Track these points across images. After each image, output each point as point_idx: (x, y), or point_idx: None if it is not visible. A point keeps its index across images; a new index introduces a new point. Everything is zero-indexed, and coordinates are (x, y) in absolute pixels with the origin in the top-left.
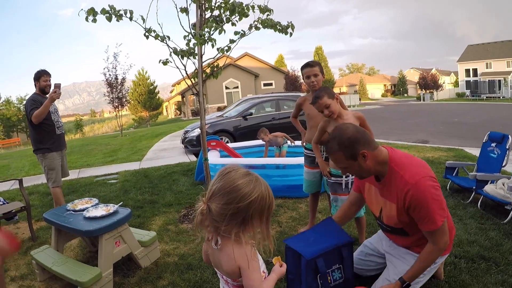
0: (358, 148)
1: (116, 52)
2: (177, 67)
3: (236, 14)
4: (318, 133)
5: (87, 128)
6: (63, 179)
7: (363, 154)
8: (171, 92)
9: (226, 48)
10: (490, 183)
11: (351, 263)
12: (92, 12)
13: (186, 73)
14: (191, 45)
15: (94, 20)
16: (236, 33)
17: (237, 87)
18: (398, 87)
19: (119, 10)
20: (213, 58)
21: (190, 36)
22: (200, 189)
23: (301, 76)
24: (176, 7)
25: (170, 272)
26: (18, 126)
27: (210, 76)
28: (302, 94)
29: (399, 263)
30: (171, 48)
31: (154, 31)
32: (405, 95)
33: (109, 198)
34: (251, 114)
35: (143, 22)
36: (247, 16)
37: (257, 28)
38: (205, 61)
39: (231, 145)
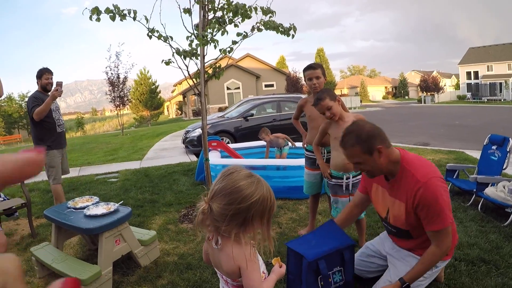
0: (375, 143)
1: (118, 51)
2: (180, 68)
3: (239, 16)
4: (319, 135)
5: (88, 126)
6: (63, 176)
7: (379, 150)
8: (173, 92)
9: (229, 49)
10: (491, 185)
11: (352, 266)
12: (96, 11)
13: (189, 74)
14: (193, 45)
15: (98, 19)
16: (238, 34)
17: (239, 88)
18: (399, 90)
19: (123, 10)
20: (215, 59)
21: (192, 36)
22: (200, 189)
23: (303, 78)
24: (179, 8)
25: (169, 272)
26: (19, 122)
27: (212, 77)
28: (303, 96)
29: (401, 264)
30: (174, 48)
31: (157, 31)
32: (406, 97)
33: (109, 196)
34: (252, 115)
35: (147, 22)
36: (249, 17)
37: (259, 30)
38: (207, 61)
39: (232, 145)
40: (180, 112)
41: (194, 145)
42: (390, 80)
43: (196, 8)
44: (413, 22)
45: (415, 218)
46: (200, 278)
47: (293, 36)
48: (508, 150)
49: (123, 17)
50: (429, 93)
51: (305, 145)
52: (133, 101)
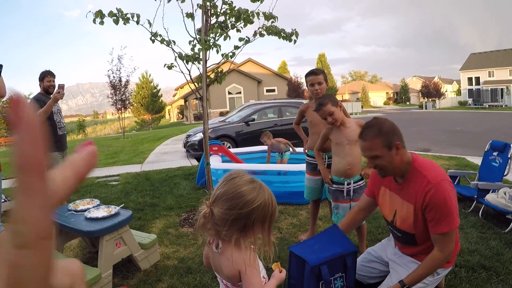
0: (394, 138)
1: (120, 54)
2: (182, 72)
3: (241, 21)
4: (321, 140)
5: (90, 129)
6: None
7: (397, 146)
8: (174, 95)
9: (231, 54)
10: (492, 192)
11: (354, 272)
12: (99, 14)
13: (191, 78)
14: (196, 50)
15: (102, 23)
16: (240, 39)
17: (240, 93)
18: (401, 95)
19: (126, 14)
20: (217, 63)
21: (195, 41)
22: (201, 194)
23: (304, 83)
24: (182, 12)
25: (169, 275)
26: None
27: (214, 81)
28: (304, 101)
29: (402, 270)
30: (177, 52)
31: (160, 35)
32: (407, 103)
33: (110, 199)
34: (253, 120)
35: (150, 26)
36: (252, 22)
37: (261, 35)
38: (209, 66)
39: (233, 150)
40: (181, 116)
41: (195, 149)
42: (392, 85)
43: (198, 13)
44: (415, 28)
45: (423, 220)
46: (200, 282)
47: (295, 41)
48: (509, 156)
49: (126, 20)
50: (430, 99)
51: (306, 151)
52: (135, 104)
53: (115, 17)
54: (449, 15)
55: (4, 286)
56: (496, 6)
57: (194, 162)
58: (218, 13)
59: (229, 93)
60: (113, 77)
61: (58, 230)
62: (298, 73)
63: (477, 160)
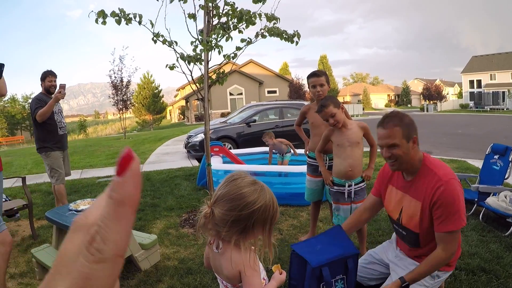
0: (413, 132)
1: (122, 54)
2: (184, 72)
3: (243, 22)
4: (322, 142)
5: (91, 129)
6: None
7: (414, 140)
8: (175, 96)
9: (232, 55)
10: (493, 195)
11: (355, 275)
12: (102, 14)
13: (192, 79)
14: (198, 51)
15: (104, 23)
16: (242, 40)
17: (241, 94)
18: (402, 98)
19: (129, 14)
20: (219, 64)
21: (197, 42)
22: (202, 194)
23: (305, 85)
24: (184, 13)
25: (169, 276)
26: (22, 124)
27: (215, 82)
28: (306, 103)
29: (403, 272)
30: (178, 53)
31: (162, 36)
32: (409, 105)
33: None
34: (254, 121)
35: (152, 26)
36: (254, 24)
37: (263, 36)
38: (211, 67)
39: (234, 151)
40: (182, 117)
41: (196, 150)
42: (393, 88)
43: (200, 14)
44: (417, 30)
45: (429, 218)
46: (200, 283)
47: (297, 43)
48: (510, 159)
49: (128, 21)
50: (431, 102)
51: (307, 152)
52: (136, 105)
53: (117, 17)
54: (451, 18)
55: None
56: (498, 9)
57: (195, 163)
58: (220, 14)
59: (231, 94)
60: (115, 77)
61: (59, 229)
62: (300, 74)
63: (478, 163)
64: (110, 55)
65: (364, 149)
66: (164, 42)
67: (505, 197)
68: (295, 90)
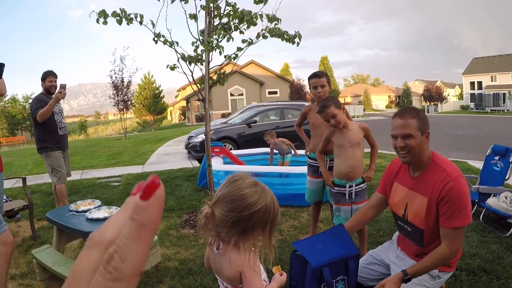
0: (427, 127)
1: (123, 55)
2: (185, 73)
3: (245, 23)
4: (323, 143)
5: (91, 129)
6: None
7: (427, 135)
8: (176, 97)
9: (234, 55)
10: (493, 196)
11: (356, 276)
12: (103, 14)
13: (193, 79)
14: (199, 51)
15: (105, 23)
16: (243, 41)
17: (242, 95)
18: (403, 99)
19: (130, 14)
20: (220, 65)
21: (198, 42)
22: (202, 195)
23: (306, 86)
24: (185, 13)
25: (170, 277)
26: (22, 124)
27: (216, 83)
28: (306, 103)
29: None
30: (179, 53)
31: (163, 36)
32: (410, 107)
33: (111, 200)
34: (255, 121)
35: (153, 27)
36: (255, 24)
37: (264, 37)
38: (212, 67)
39: (235, 152)
40: (183, 118)
41: (197, 151)
42: (394, 89)
43: (202, 14)
44: (418, 32)
45: (435, 214)
46: (201, 284)
47: (298, 43)
48: (510, 161)
49: (129, 21)
50: (432, 103)
51: (308, 153)
52: (137, 105)
53: (118, 17)
54: (452, 20)
55: None
56: (499, 11)
57: (196, 164)
58: (222, 14)
59: (231, 94)
60: (115, 77)
61: (60, 230)
62: (301, 75)
63: (479, 164)
64: (111, 55)
65: (365, 150)
66: (165, 42)
67: (506, 198)
68: (296, 91)
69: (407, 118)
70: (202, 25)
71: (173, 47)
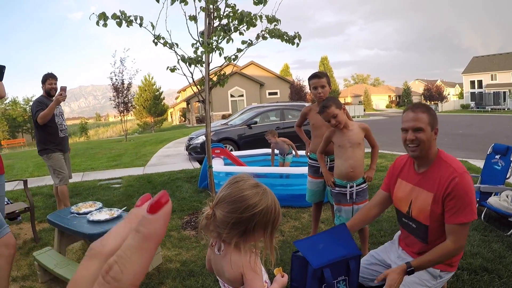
0: (436, 123)
1: (123, 57)
2: (185, 75)
3: (244, 24)
4: (323, 143)
5: (92, 131)
6: None
7: (435, 131)
8: (177, 98)
9: (233, 57)
10: (494, 195)
11: (357, 276)
12: (103, 16)
13: (193, 81)
14: (198, 53)
15: (105, 25)
16: (243, 42)
17: (242, 96)
18: (403, 98)
19: (130, 16)
20: (220, 66)
21: (198, 44)
22: (203, 196)
23: (306, 86)
24: (185, 15)
25: (171, 278)
26: (23, 126)
27: (216, 84)
28: (307, 104)
29: None
30: (179, 55)
31: (163, 38)
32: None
33: (112, 202)
34: (255, 122)
35: (153, 28)
36: (255, 25)
37: (264, 38)
38: (212, 69)
39: (235, 153)
40: (183, 119)
41: (198, 152)
42: (394, 89)
43: (201, 16)
44: (417, 31)
45: (441, 210)
46: (202, 285)
47: (297, 44)
48: (511, 159)
49: (129, 23)
50: (432, 102)
51: (308, 153)
52: (137, 107)
53: (118, 20)
54: (452, 19)
55: None
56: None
57: (197, 165)
58: (221, 15)
59: (232, 96)
60: (116, 79)
61: (61, 232)
62: (301, 76)
63: (480, 163)
64: (111, 57)
65: (365, 150)
66: (165, 44)
67: (507, 197)
68: (296, 92)
69: (418, 112)
70: (202, 26)
71: (173, 48)
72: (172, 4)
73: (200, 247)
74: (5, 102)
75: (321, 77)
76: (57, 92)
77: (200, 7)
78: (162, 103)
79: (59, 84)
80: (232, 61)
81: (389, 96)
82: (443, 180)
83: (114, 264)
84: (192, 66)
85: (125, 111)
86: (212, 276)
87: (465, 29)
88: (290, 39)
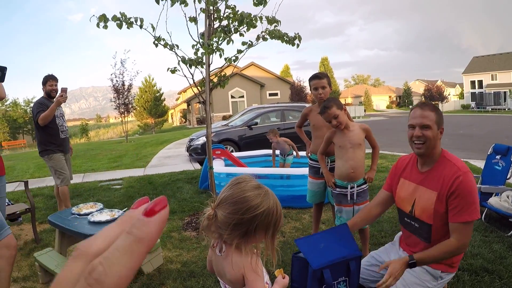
0: (442, 123)
1: (123, 58)
2: (185, 76)
3: (244, 25)
4: (324, 144)
5: (93, 133)
6: None
7: (441, 131)
8: (177, 99)
9: (234, 58)
10: (495, 195)
11: (357, 277)
12: (103, 18)
13: (194, 82)
14: (199, 54)
15: (105, 27)
16: (243, 43)
17: (243, 97)
18: (403, 99)
19: (130, 18)
20: (221, 67)
21: (198, 45)
22: (204, 197)
23: (307, 87)
24: (185, 17)
25: (172, 279)
26: (24, 128)
27: (217, 85)
28: (307, 105)
29: (407, 274)
30: (180, 56)
31: (164, 39)
32: (410, 106)
33: (113, 203)
34: (256, 123)
35: (153, 30)
36: (255, 27)
37: (264, 39)
38: (212, 70)
39: (236, 154)
40: (184, 120)
41: (198, 153)
42: (394, 89)
43: (202, 17)
44: (417, 31)
45: (444, 209)
46: (203, 286)
47: (298, 45)
48: None
49: (130, 25)
50: (433, 102)
51: (309, 154)
52: (138, 108)
53: (119, 21)
54: (451, 19)
55: None
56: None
57: (197, 166)
58: (221, 17)
59: (232, 97)
60: (116, 81)
61: (62, 233)
62: (301, 76)
63: (480, 164)
64: (111, 59)
65: (366, 150)
66: (165, 45)
67: (508, 197)
68: (297, 93)
69: (427, 110)
70: (202, 28)
71: (173, 50)
72: (172, 5)
73: (200, 248)
74: (5, 104)
75: (321, 78)
76: (58, 94)
77: (200, 9)
78: (163, 104)
79: (59, 86)
80: (233, 62)
81: (390, 96)
82: (447, 179)
83: (99, 266)
84: (193, 67)
85: (125, 112)
86: (213, 277)
87: (465, 29)
88: (290, 40)
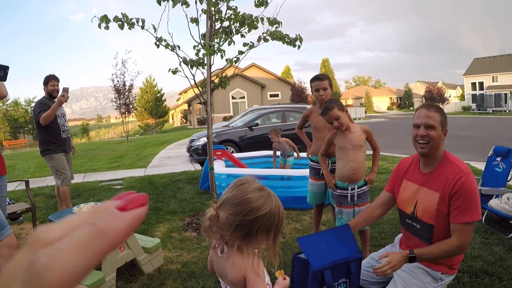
0: (446, 125)
1: (124, 58)
2: (186, 77)
3: (246, 26)
4: (325, 145)
5: (93, 133)
6: None
7: (445, 132)
8: (178, 100)
9: (235, 59)
10: (495, 197)
11: (358, 279)
12: (105, 19)
13: (195, 82)
14: (200, 55)
15: (107, 27)
16: (245, 44)
17: (244, 98)
18: (404, 100)
19: (131, 19)
20: (222, 68)
21: (199, 46)
22: (205, 198)
23: (308, 88)
24: (186, 17)
25: (172, 280)
26: (25, 127)
27: (218, 86)
28: (308, 106)
29: (407, 276)
30: (181, 57)
31: (165, 40)
32: (411, 108)
33: None
34: (257, 124)
35: (155, 31)
36: (256, 28)
37: (265, 40)
38: (213, 71)
39: (237, 155)
40: (185, 121)
41: (199, 154)
42: (395, 90)
43: (203, 18)
44: (418, 33)
45: (446, 210)
46: (203, 286)
47: (299, 46)
48: None
49: (131, 25)
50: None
51: (309, 155)
52: (139, 108)
53: (120, 22)
54: (453, 21)
55: None
56: (499, 11)
57: (198, 167)
58: (223, 18)
59: (233, 98)
60: (117, 81)
61: None
62: (302, 78)
63: (481, 166)
64: (112, 59)
65: (367, 152)
66: (166, 46)
67: (508, 199)
68: (297, 94)
69: (432, 110)
70: (203, 29)
71: (174, 51)
72: (173, 6)
73: (201, 249)
74: (6, 103)
75: (323, 79)
76: (59, 93)
77: (202, 10)
78: (164, 104)
79: (60, 86)
80: (234, 63)
81: (390, 98)
82: (450, 180)
83: (42, 257)
84: (194, 68)
85: (126, 112)
86: (213, 277)
87: (466, 31)
88: (291, 41)
